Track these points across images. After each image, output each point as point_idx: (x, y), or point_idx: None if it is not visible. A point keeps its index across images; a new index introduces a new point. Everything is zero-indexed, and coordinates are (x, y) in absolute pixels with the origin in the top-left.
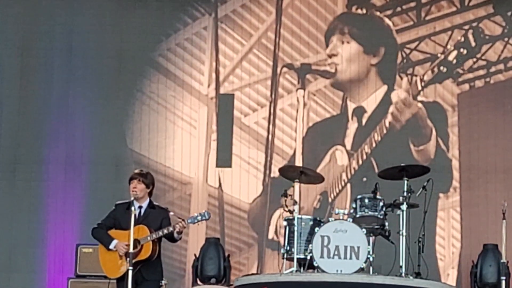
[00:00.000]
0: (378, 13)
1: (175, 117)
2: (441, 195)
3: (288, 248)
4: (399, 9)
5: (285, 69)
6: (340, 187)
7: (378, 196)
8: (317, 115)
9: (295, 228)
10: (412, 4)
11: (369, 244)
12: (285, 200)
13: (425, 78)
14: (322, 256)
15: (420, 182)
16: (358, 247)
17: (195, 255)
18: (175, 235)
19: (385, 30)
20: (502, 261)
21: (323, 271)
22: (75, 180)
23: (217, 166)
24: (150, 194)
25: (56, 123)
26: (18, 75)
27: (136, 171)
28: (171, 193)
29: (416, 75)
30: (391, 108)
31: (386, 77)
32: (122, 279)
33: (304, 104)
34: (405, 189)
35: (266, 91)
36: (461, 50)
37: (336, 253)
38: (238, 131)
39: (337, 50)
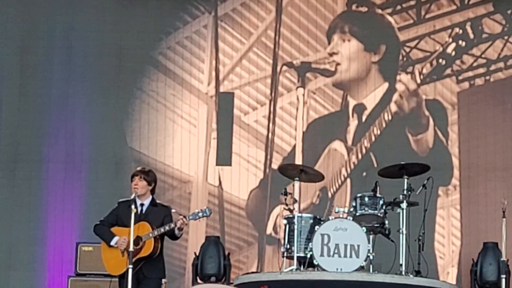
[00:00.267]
0: (379, 11)
1: (175, 116)
2: (440, 193)
3: (288, 246)
4: (399, 7)
5: (285, 68)
6: (339, 182)
7: (378, 195)
8: (317, 113)
9: (295, 227)
10: (412, 3)
11: (369, 243)
12: (285, 199)
13: (424, 71)
14: (322, 255)
15: (420, 180)
16: (358, 246)
17: (195, 253)
18: (176, 231)
19: (386, 27)
20: (502, 259)
21: (323, 270)
22: (75, 178)
23: (217, 164)
24: (152, 191)
25: (56, 122)
26: (18, 74)
27: (138, 168)
28: (171, 192)
29: (419, 71)
30: (392, 102)
31: (388, 75)
32: (124, 277)
33: (304, 103)
34: (405, 187)
35: (266, 90)
36: (460, 42)
37: (336, 251)
38: (238, 130)
39: (337, 48)
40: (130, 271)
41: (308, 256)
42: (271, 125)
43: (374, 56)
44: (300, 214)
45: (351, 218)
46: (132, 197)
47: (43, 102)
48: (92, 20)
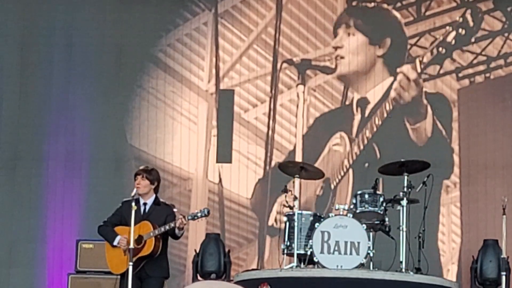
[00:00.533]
0: (385, 5)
1: (175, 113)
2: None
3: (288, 243)
4: (399, 4)
5: (285, 65)
6: (342, 173)
7: (378, 192)
8: (318, 110)
9: (295, 224)
10: (412, 0)
11: (369, 240)
12: (285, 196)
13: (425, 60)
14: (322, 252)
15: (420, 178)
16: (358, 243)
17: (195, 250)
18: (177, 231)
19: (392, 21)
20: (502, 256)
21: (323, 267)
22: (75, 176)
23: (217, 161)
24: (155, 190)
25: (56, 119)
26: (18, 71)
27: (141, 167)
28: (171, 189)
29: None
30: (392, 92)
31: (393, 69)
32: (125, 275)
33: (304, 100)
34: (405, 184)
35: (266, 87)
36: (460, 30)
37: (336, 248)
38: (238, 127)
39: (342, 42)
40: (130, 268)
41: (308, 253)
42: (271, 122)
43: (379, 50)
44: (300, 211)
45: (351, 215)
46: (133, 193)
47: (43, 100)
48: (92, 17)
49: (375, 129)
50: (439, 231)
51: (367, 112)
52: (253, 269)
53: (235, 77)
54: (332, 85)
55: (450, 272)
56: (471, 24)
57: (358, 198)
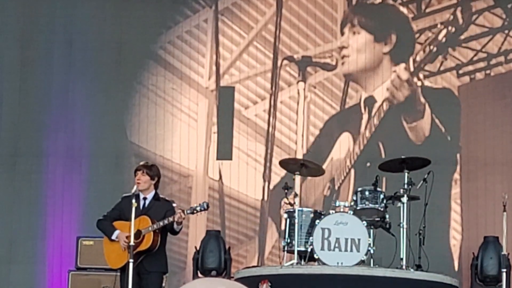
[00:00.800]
0: (390, 1)
1: (175, 110)
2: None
3: (288, 240)
4: (399, 1)
5: (285, 62)
6: (345, 173)
7: (378, 189)
8: (318, 107)
9: (296, 221)
10: None
11: (369, 237)
12: (286, 193)
13: (418, 58)
14: (322, 249)
15: (421, 175)
16: (359, 240)
17: (195, 247)
18: (175, 226)
19: (397, 17)
20: (502, 253)
21: (324, 264)
22: (75, 172)
23: (217, 158)
24: (155, 186)
25: (56, 116)
26: (18, 68)
27: (142, 163)
28: (172, 186)
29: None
30: (386, 92)
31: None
32: (124, 270)
33: (305, 97)
34: (406, 181)
35: (266, 84)
36: (450, 28)
37: (336, 245)
38: (238, 124)
39: (348, 42)
40: (131, 265)
41: (309, 250)
42: (271, 119)
43: (385, 47)
44: (300, 208)
45: (352, 212)
46: (134, 190)
47: (43, 96)
48: (92, 14)
49: (373, 128)
50: (450, 227)
51: (374, 111)
52: (253, 266)
53: (236, 74)
54: (333, 82)
55: (451, 269)
56: (461, 21)
57: (359, 195)
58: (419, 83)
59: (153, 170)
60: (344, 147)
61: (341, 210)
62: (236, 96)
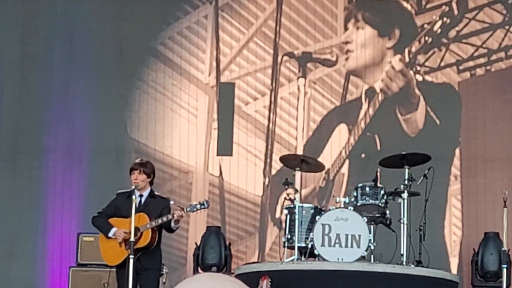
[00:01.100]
0: None
1: (175, 106)
2: (443, 182)
3: (289, 236)
4: None
5: (285, 58)
6: (339, 164)
7: (379, 185)
8: (318, 103)
9: (296, 217)
10: None
11: (370, 233)
12: (286, 188)
13: (413, 49)
14: (323, 245)
15: (421, 170)
16: (359, 236)
17: (196, 243)
18: (172, 224)
19: (400, 12)
20: (503, 249)
21: (324, 260)
22: (76, 168)
23: (217, 154)
24: (151, 183)
25: (57, 112)
26: (18, 63)
27: (136, 161)
28: (172, 182)
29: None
30: (380, 83)
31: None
32: (121, 267)
33: (305, 93)
34: (406, 177)
35: (266, 80)
36: (445, 19)
37: (337, 241)
38: (238, 120)
39: (351, 37)
40: (131, 261)
41: (309, 246)
42: (272, 115)
43: (389, 42)
44: (301, 204)
45: (352, 208)
46: (132, 188)
47: (43, 92)
48: (93, 9)
49: (368, 119)
50: (446, 222)
51: (374, 102)
52: (253, 262)
53: (236, 70)
54: (333, 78)
55: (451, 265)
56: (456, 12)
57: (359, 191)
58: (419, 78)
59: (148, 168)
60: (339, 138)
61: (342, 206)
62: (236, 92)
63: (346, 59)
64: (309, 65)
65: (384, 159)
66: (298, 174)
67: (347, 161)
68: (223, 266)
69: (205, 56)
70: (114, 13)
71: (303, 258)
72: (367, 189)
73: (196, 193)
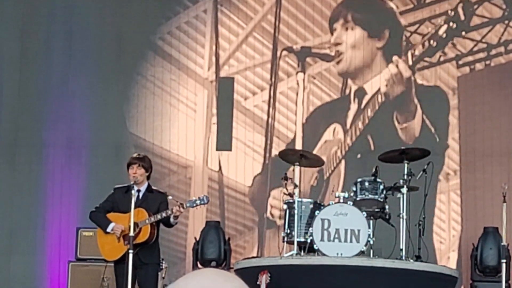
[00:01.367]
0: None
1: (175, 101)
2: (441, 177)
3: (288, 231)
4: None
5: (285, 52)
6: (335, 164)
7: (378, 179)
8: (317, 98)
9: (295, 211)
10: None
11: (369, 227)
12: (285, 183)
13: (416, 53)
14: (322, 239)
15: (420, 165)
16: (359, 230)
17: (195, 238)
18: (171, 219)
19: (388, 12)
20: (502, 244)
21: (323, 254)
22: (75, 163)
23: (217, 149)
24: (148, 177)
25: (56, 106)
26: (18, 58)
27: (134, 155)
28: (171, 177)
29: (412, 53)
30: (382, 85)
31: (389, 59)
32: (119, 262)
33: (304, 87)
34: (406, 172)
35: (266, 74)
36: (451, 24)
37: (336, 236)
38: (238, 115)
39: (342, 38)
40: (131, 255)
41: (308, 241)
42: (271, 110)
43: (379, 42)
44: (300, 199)
45: (352, 203)
46: (131, 183)
47: (43, 87)
48: (92, 4)
49: (367, 121)
50: (440, 219)
51: (363, 103)
52: (253, 257)
53: (235, 64)
54: (332, 73)
55: (451, 260)
56: (462, 17)
57: (358, 185)
58: (418, 79)
59: (146, 162)
60: (332, 137)
61: (341, 201)
62: (235, 86)
63: (338, 62)
64: (308, 59)
65: (383, 153)
66: (297, 169)
67: (343, 162)
68: (223, 261)
69: (204, 50)
70: (113, 8)
71: (302, 253)
72: (367, 184)
73: (195, 188)
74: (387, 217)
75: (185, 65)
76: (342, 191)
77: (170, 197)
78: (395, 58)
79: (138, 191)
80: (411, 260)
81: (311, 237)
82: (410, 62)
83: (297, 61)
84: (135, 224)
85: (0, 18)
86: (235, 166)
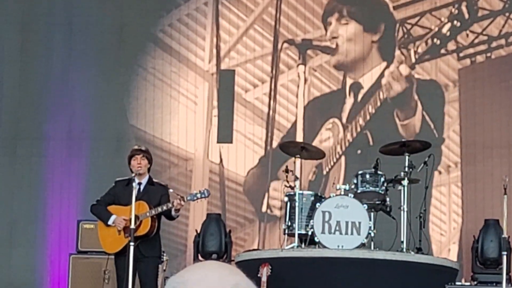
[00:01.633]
0: None
1: (176, 93)
2: (441, 169)
3: (289, 223)
4: None
5: (286, 45)
6: (334, 159)
7: (379, 172)
8: (318, 90)
9: (296, 204)
10: None
11: (370, 220)
12: (286, 176)
13: (419, 50)
14: (323, 232)
15: (421, 158)
16: (359, 223)
17: (196, 231)
18: (173, 212)
19: (383, 6)
20: (503, 236)
21: (324, 247)
22: (76, 155)
23: (218, 142)
24: (148, 170)
25: (57, 99)
26: (18, 51)
27: (136, 147)
28: (172, 169)
29: (415, 50)
30: (384, 81)
31: (386, 53)
32: (120, 255)
33: (305, 80)
34: (406, 164)
35: (267, 67)
36: (455, 22)
37: (337, 228)
38: (239, 107)
39: (338, 32)
40: (131, 248)
41: (309, 233)
42: (272, 102)
43: (374, 36)
44: (301, 192)
45: (352, 195)
46: (133, 175)
47: (43, 79)
48: None
49: (368, 117)
50: (440, 211)
51: (359, 97)
52: (254, 249)
53: (236, 57)
54: (333, 66)
55: (451, 252)
56: (466, 16)
57: (359, 178)
58: (418, 72)
59: (149, 153)
60: (331, 132)
61: (342, 193)
62: (236, 79)
63: (334, 54)
64: (309, 52)
65: (384, 146)
66: (298, 161)
67: (343, 157)
68: (223, 253)
69: (205, 43)
70: (114, 1)
71: (303, 246)
72: (367, 176)
73: (196, 181)
74: (388, 209)
75: (185, 58)
76: (343, 184)
77: (171, 190)
78: (397, 53)
79: (139, 184)
80: (412, 253)
81: (312, 230)
82: (413, 60)
83: (298, 54)
84: (136, 217)
85: (1, 11)
86: (236, 159)
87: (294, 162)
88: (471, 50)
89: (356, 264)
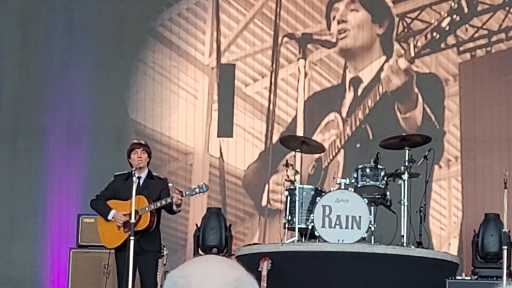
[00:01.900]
0: None
1: (176, 87)
2: (442, 164)
3: (289, 217)
4: None
5: (286, 39)
6: (333, 153)
7: (379, 166)
8: (318, 84)
9: (297, 198)
10: None
11: (370, 214)
12: (287, 170)
13: (419, 44)
14: (323, 226)
15: (421, 152)
16: (360, 217)
17: (196, 225)
18: (174, 207)
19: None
20: (503, 230)
21: (325, 241)
22: (76, 149)
23: (218, 136)
24: (148, 164)
25: (57, 93)
26: (19, 45)
27: (136, 141)
28: (172, 163)
29: (414, 44)
30: (383, 74)
31: (386, 47)
32: (120, 249)
33: (305, 74)
34: (407, 158)
35: (267, 61)
36: (454, 16)
37: (337, 222)
38: (239, 101)
39: (346, 17)
40: (132, 242)
41: (310, 227)
42: (272, 96)
43: (379, 29)
44: (301, 186)
45: (353, 190)
46: (134, 169)
47: (44, 74)
48: None
49: (367, 111)
50: (440, 205)
51: (359, 91)
52: (254, 244)
53: (236, 51)
54: (333, 59)
55: (452, 246)
56: (466, 10)
57: (360, 172)
58: (418, 66)
59: (149, 147)
60: (331, 126)
61: (342, 187)
62: (237, 73)
63: (342, 38)
64: (309, 46)
65: (384, 140)
66: (298, 155)
67: (342, 151)
68: (224, 247)
69: (205, 37)
70: None
71: (303, 240)
72: (368, 170)
73: (196, 175)
74: (388, 203)
75: (186, 52)
76: (343, 178)
77: (170, 185)
78: (396, 47)
79: (139, 178)
80: (412, 247)
81: (312, 224)
82: (413, 54)
83: (298, 48)
84: (135, 212)
85: (1, 5)
86: (236, 153)
87: (294, 156)
88: (471, 44)
89: (356, 258)
